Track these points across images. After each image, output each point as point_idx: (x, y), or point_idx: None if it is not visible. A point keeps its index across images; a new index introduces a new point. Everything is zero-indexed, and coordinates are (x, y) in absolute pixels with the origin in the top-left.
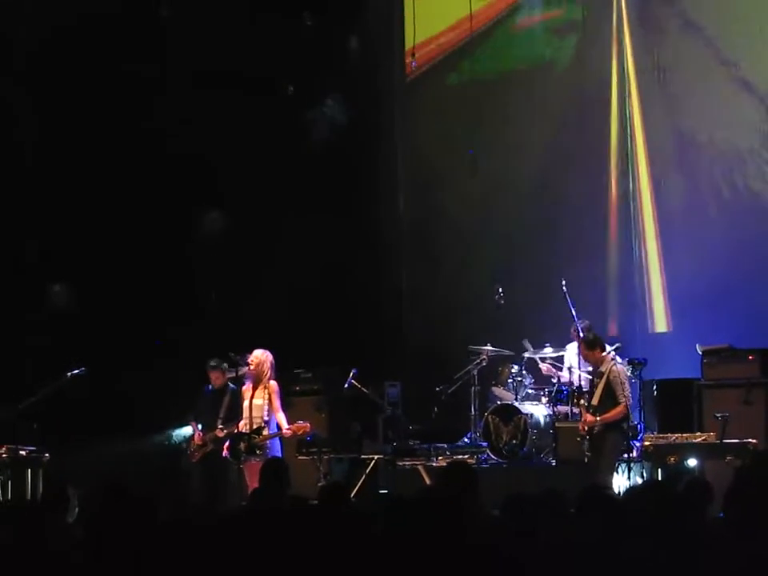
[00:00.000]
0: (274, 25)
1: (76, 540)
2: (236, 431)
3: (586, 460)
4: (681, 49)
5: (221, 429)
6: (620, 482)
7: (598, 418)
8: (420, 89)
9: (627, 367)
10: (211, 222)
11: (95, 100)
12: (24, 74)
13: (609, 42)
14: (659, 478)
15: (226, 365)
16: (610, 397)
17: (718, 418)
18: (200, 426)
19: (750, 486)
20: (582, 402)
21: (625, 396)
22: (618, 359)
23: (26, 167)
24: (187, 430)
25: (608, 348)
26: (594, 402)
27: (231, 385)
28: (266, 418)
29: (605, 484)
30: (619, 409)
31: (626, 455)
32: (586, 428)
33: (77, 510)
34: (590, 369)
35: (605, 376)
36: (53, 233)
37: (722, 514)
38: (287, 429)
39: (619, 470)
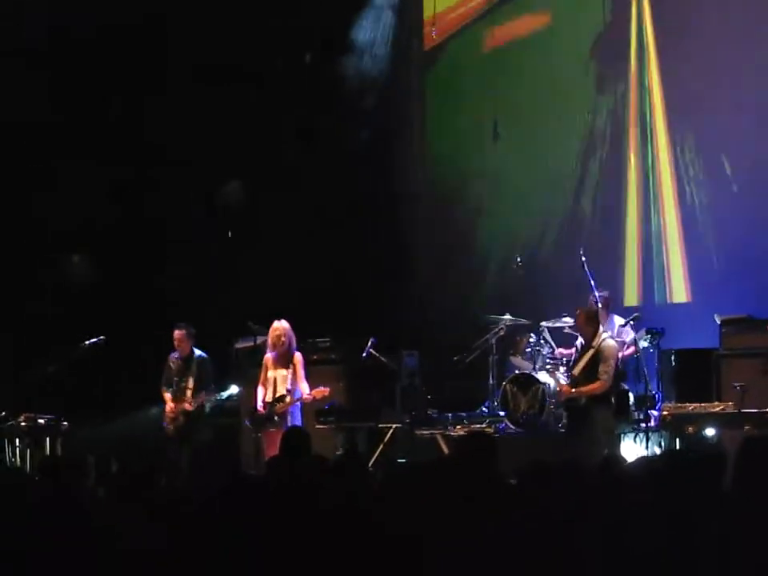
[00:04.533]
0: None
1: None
2: (207, 401)
3: (565, 428)
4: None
5: (189, 402)
6: (638, 451)
7: (573, 390)
8: (439, 57)
9: (645, 337)
10: (233, 194)
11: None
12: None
13: (629, 9)
14: (676, 447)
15: (193, 330)
16: (593, 371)
17: (736, 387)
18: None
19: (757, 457)
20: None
21: (607, 374)
22: (608, 337)
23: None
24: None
25: (619, 320)
26: (576, 372)
27: (198, 352)
28: (289, 388)
29: (597, 455)
30: (596, 385)
31: (643, 424)
32: (562, 399)
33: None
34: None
35: (593, 349)
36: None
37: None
38: (307, 395)
39: (637, 439)
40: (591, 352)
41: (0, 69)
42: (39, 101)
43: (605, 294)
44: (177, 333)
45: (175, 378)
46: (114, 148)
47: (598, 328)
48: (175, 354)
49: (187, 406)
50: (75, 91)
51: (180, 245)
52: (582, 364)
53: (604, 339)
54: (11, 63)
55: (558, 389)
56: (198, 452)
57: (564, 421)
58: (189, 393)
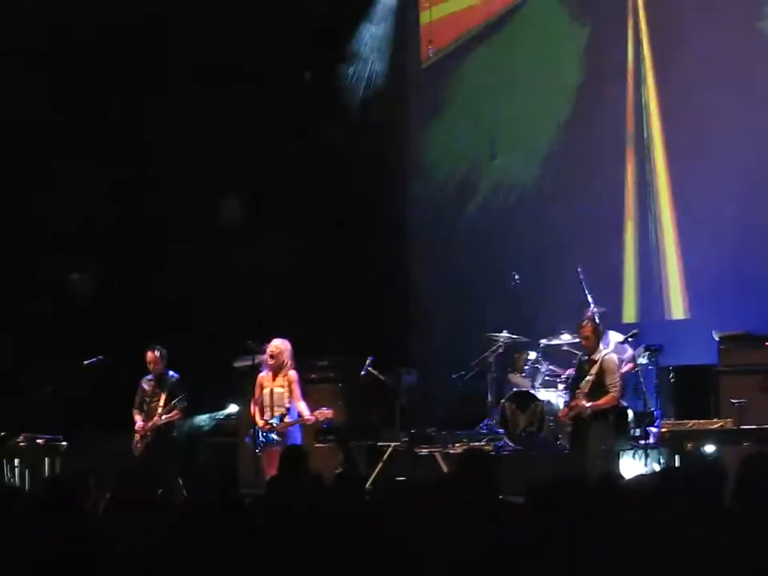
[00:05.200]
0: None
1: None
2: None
3: (568, 444)
4: (699, 26)
5: (159, 415)
6: (637, 468)
7: (588, 404)
8: (437, 74)
9: (644, 353)
10: (231, 210)
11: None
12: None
13: (624, 22)
14: (675, 465)
15: (165, 350)
16: (600, 386)
17: (734, 404)
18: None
19: (758, 474)
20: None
21: (615, 386)
22: (617, 348)
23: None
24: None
25: (617, 336)
26: (585, 389)
27: (171, 372)
28: (287, 406)
29: (595, 471)
30: (608, 398)
31: (642, 441)
32: (572, 414)
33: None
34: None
35: (597, 364)
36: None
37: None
38: (310, 416)
39: (636, 456)
40: (596, 367)
41: (0, 69)
42: (39, 100)
43: (602, 310)
44: (150, 354)
45: (147, 399)
46: (113, 148)
47: (598, 344)
48: (149, 377)
49: (157, 420)
50: (75, 91)
51: (179, 254)
52: (589, 379)
53: (605, 353)
54: (11, 63)
55: (573, 404)
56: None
57: (561, 437)
58: (160, 410)
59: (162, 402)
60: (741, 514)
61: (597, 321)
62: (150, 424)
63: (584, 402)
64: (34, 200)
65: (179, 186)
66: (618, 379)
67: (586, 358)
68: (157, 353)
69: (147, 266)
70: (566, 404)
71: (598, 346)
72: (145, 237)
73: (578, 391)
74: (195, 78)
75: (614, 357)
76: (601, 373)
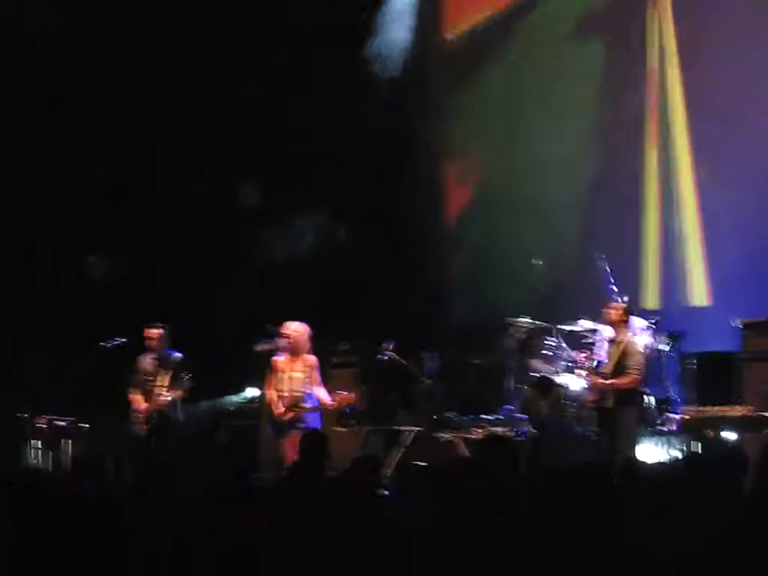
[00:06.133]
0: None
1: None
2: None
3: (595, 436)
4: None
5: (164, 397)
6: (658, 454)
7: (607, 381)
8: (458, 59)
9: (665, 340)
10: (252, 193)
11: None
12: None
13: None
14: (697, 451)
15: (167, 328)
16: (623, 367)
17: (757, 391)
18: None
19: None
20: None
21: (637, 368)
22: (637, 334)
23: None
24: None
25: (640, 322)
26: (608, 370)
27: (170, 351)
28: (305, 391)
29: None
30: (628, 378)
31: (665, 428)
32: (593, 397)
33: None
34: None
35: (621, 346)
36: None
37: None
38: (331, 402)
39: (657, 442)
40: (619, 350)
41: (0, 69)
42: (39, 100)
43: (625, 298)
44: (153, 332)
45: (149, 378)
46: (113, 147)
47: (628, 325)
48: (150, 355)
49: (163, 401)
50: (75, 91)
51: (187, 245)
52: (612, 362)
53: (629, 336)
54: (11, 63)
55: (590, 383)
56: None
57: (586, 423)
58: (164, 391)
59: (166, 383)
60: (761, 501)
61: (631, 307)
62: (153, 405)
63: (602, 381)
64: (34, 199)
65: (185, 180)
66: (640, 362)
67: (612, 341)
68: (160, 330)
69: (151, 265)
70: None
71: (626, 329)
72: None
73: (600, 372)
74: (196, 77)
75: (637, 340)
76: (624, 355)
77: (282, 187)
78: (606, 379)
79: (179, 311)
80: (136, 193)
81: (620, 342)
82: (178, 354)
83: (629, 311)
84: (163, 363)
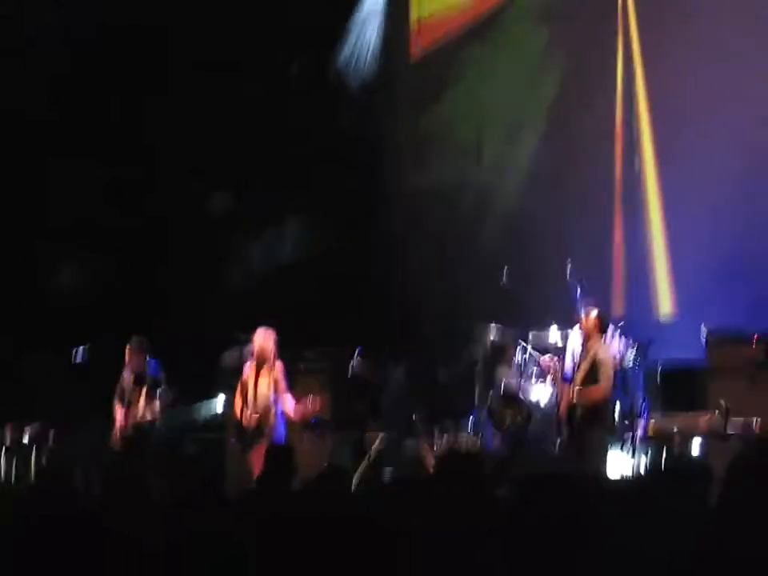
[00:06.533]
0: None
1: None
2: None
3: (559, 441)
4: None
5: (143, 410)
6: (624, 463)
7: (576, 389)
8: (423, 70)
9: (631, 349)
10: (223, 203)
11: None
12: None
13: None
14: (661, 461)
15: (145, 340)
16: (592, 377)
17: (722, 399)
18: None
19: (747, 472)
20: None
21: (607, 379)
22: (607, 342)
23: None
24: (212, 406)
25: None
26: (577, 380)
27: (153, 363)
28: (272, 399)
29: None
30: (597, 388)
31: (630, 437)
32: (565, 407)
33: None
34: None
35: (590, 355)
36: None
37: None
38: (295, 413)
39: (623, 450)
40: (588, 358)
41: (0, 69)
42: (39, 100)
43: (590, 305)
44: (130, 345)
45: (127, 390)
46: (113, 147)
47: (602, 335)
48: (129, 369)
49: (139, 413)
50: (75, 91)
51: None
52: (582, 371)
53: (601, 346)
54: (11, 63)
55: (560, 392)
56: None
57: (554, 433)
58: (142, 402)
59: (142, 395)
60: (728, 515)
61: (605, 316)
62: (130, 418)
63: (570, 389)
64: (34, 199)
65: (180, 182)
66: (610, 373)
67: (582, 348)
68: (136, 345)
69: (143, 260)
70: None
71: (599, 339)
72: (140, 234)
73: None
74: (196, 75)
75: (609, 350)
76: (594, 365)
77: (283, 187)
78: (575, 386)
79: (143, 320)
80: (136, 193)
81: (590, 351)
82: (155, 365)
83: (604, 320)
84: (141, 376)
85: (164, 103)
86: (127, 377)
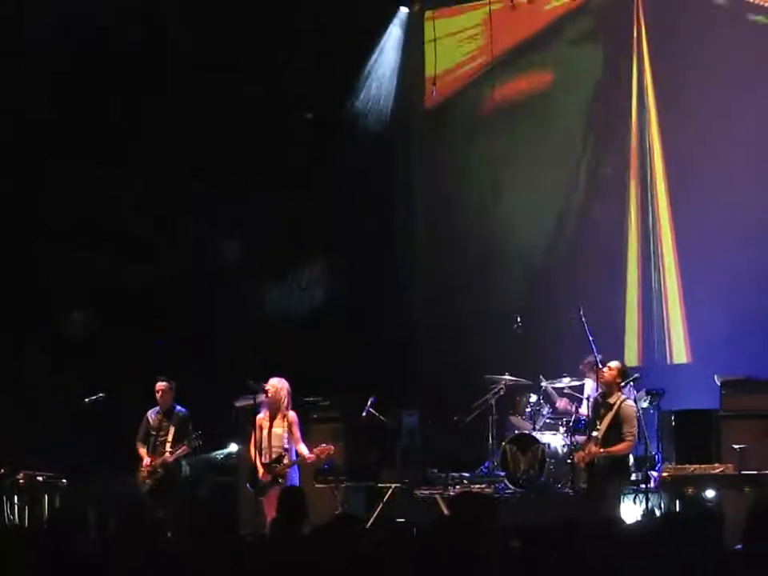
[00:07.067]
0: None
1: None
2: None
3: (581, 486)
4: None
5: (170, 452)
6: (637, 512)
7: (601, 450)
8: (440, 116)
9: (645, 397)
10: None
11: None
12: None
13: (629, 57)
14: (676, 509)
15: (174, 383)
16: (616, 431)
17: (736, 449)
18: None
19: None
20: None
21: (632, 434)
22: (629, 396)
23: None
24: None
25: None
26: (600, 434)
27: (179, 407)
28: (285, 447)
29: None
30: (623, 445)
31: (643, 485)
32: (588, 460)
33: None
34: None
35: (614, 409)
36: None
37: (740, 546)
38: (311, 455)
39: (636, 500)
40: (612, 413)
41: (0, 69)
42: (39, 100)
43: (599, 357)
44: (159, 385)
45: (153, 433)
46: (113, 147)
47: (620, 387)
48: (155, 409)
49: (168, 457)
50: (75, 91)
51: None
52: (605, 424)
53: (624, 400)
54: (11, 63)
55: (585, 450)
56: (187, 506)
57: (571, 481)
58: (168, 446)
59: (170, 438)
60: (750, 561)
61: (624, 366)
62: (159, 460)
63: (597, 449)
64: (33, 199)
65: (185, 180)
66: (635, 427)
67: (602, 400)
68: (166, 384)
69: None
70: (576, 445)
71: (618, 390)
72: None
73: (593, 435)
74: (196, 75)
75: (632, 404)
76: (619, 419)
77: (283, 188)
78: (598, 444)
79: (159, 363)
80: (136, 193)
81: (614, 405)
82: (183, 409)
83: (623, 373)
84: (168, 417)
85: (164, 103)
86: (153, 416)
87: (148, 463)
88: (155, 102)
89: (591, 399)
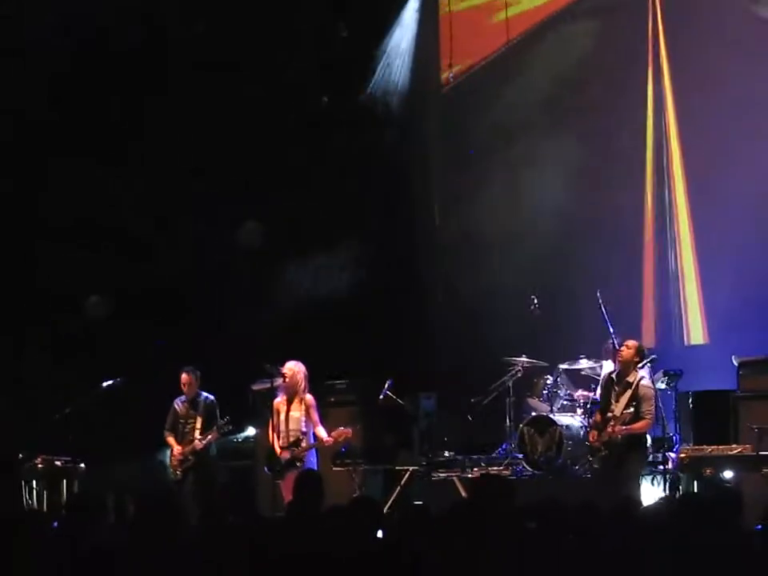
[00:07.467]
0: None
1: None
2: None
3: (598, 468)
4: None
5: (199, 440)
6: (655, 493)
7: (622, 428)
8: (456, 101)
9: (663, 379)
10: (248, 233)
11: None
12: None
13: (644, 47)
14: (694, 490)
15: (198, 372)
16: (634, 410)
17: (754, 429)
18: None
19: None
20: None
21: (651, 413)
22: (646, 375)
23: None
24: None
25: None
26: (617, 412)
27: (205, 393)
28: (303, 430)
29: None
30: (642, 423)
31: (661, 467)
32: (605, 439)
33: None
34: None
35: (632, 387)
36: None
37: (759, 527)
38: (328, 438)
39: (655, 481)
40: (630, 391)
41: (0, 69)
42: (39, 100)
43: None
44: (184, 376)
45: (181, 421)
46: (113, 147)
47: (637, 367)
48: (182, 398)
49: (198, 444)
50: (75, 91)
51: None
52: (622, 403)
53: (642, 378)
54: (11, 63)
55: (609, 429)
56: (214, 492)
57: (589, 462)
58: (197, 433)
59: (198, 425)
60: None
61: (642, 346)
62: (189, 448)
63: (617, 427)
64: (34, 199)
65: (185, 180)
66: (653, 406)
67: (616, 378)
68: (191, 374)
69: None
70: (591, 424)
71: (635, 370)
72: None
73: (609, 414)
74: (196, 75)
75: (650, 383)
76: (637, 398)
77: (283, 188)
78: (616, 422)
79: (175, 350)
80: (136, 193)
81: (632, 383)
82: (209, 396)
83: (641, 352)
84: (194, 406)
85: (164, 103)
86: (180, 405)
87: (180, 451)
88: (155, 102)
89: (603, 377)
